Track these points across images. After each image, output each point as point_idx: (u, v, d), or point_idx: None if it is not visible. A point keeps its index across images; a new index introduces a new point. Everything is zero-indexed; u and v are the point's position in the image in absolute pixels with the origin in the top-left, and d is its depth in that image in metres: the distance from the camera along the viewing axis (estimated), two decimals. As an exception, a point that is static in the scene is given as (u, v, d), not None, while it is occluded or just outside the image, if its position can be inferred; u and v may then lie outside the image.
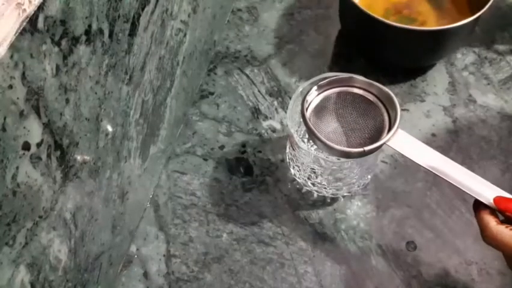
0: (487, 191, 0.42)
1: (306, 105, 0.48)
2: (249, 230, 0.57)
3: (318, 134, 0.46)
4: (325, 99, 0.50)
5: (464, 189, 0.42)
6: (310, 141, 0.59)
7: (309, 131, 0.47)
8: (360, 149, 0.46)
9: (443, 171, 0.43)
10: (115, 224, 0.51)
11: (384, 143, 0.46)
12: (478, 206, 0.42)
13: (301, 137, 0.57)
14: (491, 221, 0.40)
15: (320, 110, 0.50)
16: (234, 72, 0.68)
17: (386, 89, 0.48)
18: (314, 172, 0.55)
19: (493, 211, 0.41)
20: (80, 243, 0.44)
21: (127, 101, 0.47)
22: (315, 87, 0.49)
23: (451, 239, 0.55)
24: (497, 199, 0.41)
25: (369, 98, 0.49)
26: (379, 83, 0.49)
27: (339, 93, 0.50)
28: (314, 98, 0.50)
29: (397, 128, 0.46)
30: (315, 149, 0.55)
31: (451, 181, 0.43)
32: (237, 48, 0.70)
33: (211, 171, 0.60)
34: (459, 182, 0.43)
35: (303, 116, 0.48)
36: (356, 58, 0.68)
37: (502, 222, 0.41)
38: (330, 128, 0.49)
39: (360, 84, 0.49)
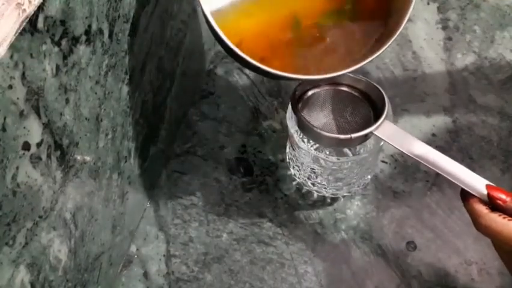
0: (475, 181, 0.42)
1: (295, 99, 0.50)
2: (249, 230, 0.57)
3: (307, 121, 0.48)
4: (314, 96, 0.52)
5: (451, 179, 0.43)
6: (310, 140, 0.59)
7: (299, 119, 0.49)
8: (348, 136, 0.47)
9: (431, 161, 0.44)
10: (115, 224, 0.51)
11: (370, 132, 0.47)
12: (465, 195, 0.42)
13: (301, 137, 0.56)
14: (483, 209, 0.41)
15: (309, 105, 0.51)
16: (234, 72, 0.68)
17: (373, 83, 0.50)
18: (314, 172, 0.55)
19: (481, 200, 0.42)
20: (80, 243, 0.44)
21: (127, 101, 0.47)
22: (305, 83, 0.51)
23: (451, 239, 0.55)
24: (489, 186, 0.42)
25: (356, 94, 0.51)
26: (371, 80, 0.51)
27: (327, 90, 0.51)
28: (304, 93, 0.51)
29: (384, 118, 0.47)
30: (315, 149, 0.55)
31: (438, 171, 0.44)
32: (237, 48, 0.70)
33: (211, 171, 0.60)
34: (447, 172, 0.43)
35: (293, 106, 0.49)
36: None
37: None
38: (319, 122, 0.50)
39: (348, 81, 0.51)
